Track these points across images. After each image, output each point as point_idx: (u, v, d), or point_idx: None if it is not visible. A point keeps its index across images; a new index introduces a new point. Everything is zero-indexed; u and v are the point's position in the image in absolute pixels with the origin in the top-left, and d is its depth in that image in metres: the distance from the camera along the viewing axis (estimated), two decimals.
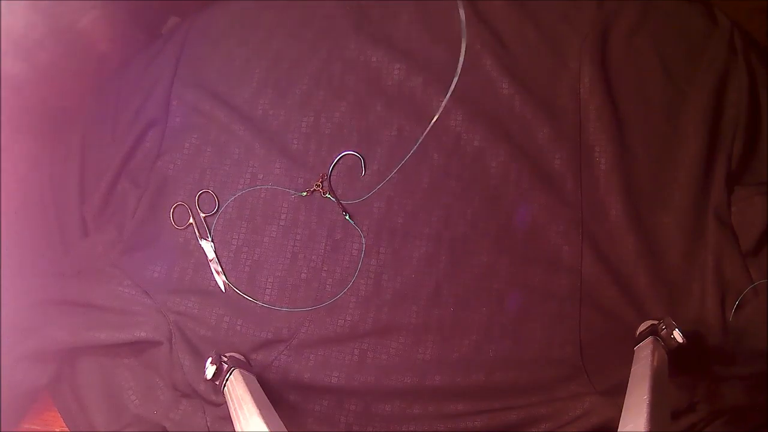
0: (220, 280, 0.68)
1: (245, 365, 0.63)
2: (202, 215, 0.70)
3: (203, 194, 0.70)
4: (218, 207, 0.70)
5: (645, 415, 0.46)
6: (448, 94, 0.62)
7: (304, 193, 0.68)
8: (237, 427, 0.52)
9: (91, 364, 0.68)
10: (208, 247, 0.69)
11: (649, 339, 0.57)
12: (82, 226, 0.73)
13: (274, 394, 0.61)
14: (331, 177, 0.69)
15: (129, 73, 0.77)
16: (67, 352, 0.68)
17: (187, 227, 0.70)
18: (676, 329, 0.56)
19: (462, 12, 0.59)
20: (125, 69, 0.78)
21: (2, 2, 0.62)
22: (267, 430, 0.48)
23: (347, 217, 0.67)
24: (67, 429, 0.70)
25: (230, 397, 0.56)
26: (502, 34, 0.70)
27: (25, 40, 0.68)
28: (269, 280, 0.67)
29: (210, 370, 0.58)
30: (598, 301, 0.64)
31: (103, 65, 0.79)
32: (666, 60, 0.68)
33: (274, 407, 0.54)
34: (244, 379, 0.57)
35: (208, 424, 0.64)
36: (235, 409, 0.54)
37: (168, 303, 0.67)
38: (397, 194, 0.67)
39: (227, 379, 0.58)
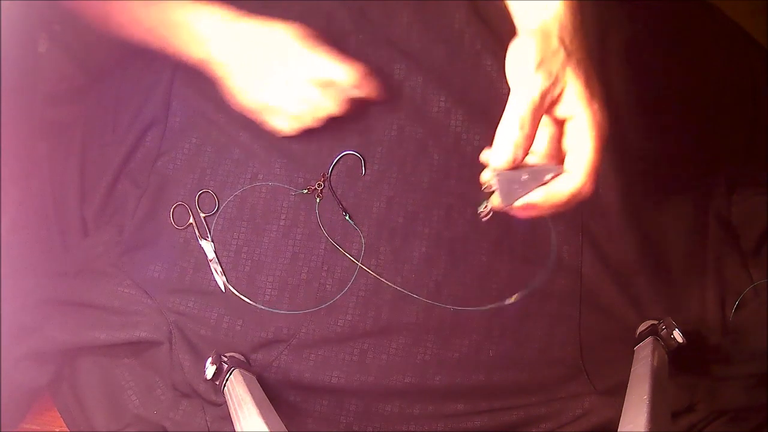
0: (220, 280, 0.68)
1: (245, 365, 0.63)
2: (202, 215, 0.70)
3: (203, 194, 0.70)
4: (218, 207, 0.70)
5: (645, 415, 0.46)
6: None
7: (305, 191, 0.68)
8: (237, 427, 0.52)
9: (91, 364, 0.68)
10: (208, 247, 0.69)
11: (649, 339, 0.57)
12: (82, 226, 0.73)
13: (274, 394, 0.61)
14: (331, 177, 0.69)
15: (129, 73, 0.77)
16: (67, 352, 0.68)
17: (187, 227, 0.70)
18: (676, 329, 0.56)
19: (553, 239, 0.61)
20: (125, 69, 0.78)
21: (2, 2, 0.62)
22: (267, 430, 0.48)
23: (347, 217, 0.67)
24: (67, 429, 0.70)
25: (230, 397, 0.56)
26: (502, 34, 0.70)
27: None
28: (269, 280, 0.67)
29: (210, 370, 0.58)
30: (598, 301, 0.65)
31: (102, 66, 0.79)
32: (666, 60, 0.69)
33: (274, 407, 0.54)
34: (244, 379, 0.57)
35: (208, 424, 0.64)
36: (235, 409, 0.54)
37: (168, 303, 0.67)
38: (397, 194, 0.67)
39: (227, 379, 0.58)
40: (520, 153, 0.44)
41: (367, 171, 0.68)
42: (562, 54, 0.44)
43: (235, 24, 0.63)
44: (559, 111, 0.45)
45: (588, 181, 0.45)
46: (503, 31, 0.70)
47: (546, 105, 0.44)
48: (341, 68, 0.59)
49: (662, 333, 0.57)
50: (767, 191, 0.66)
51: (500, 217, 0.66)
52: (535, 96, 0.43)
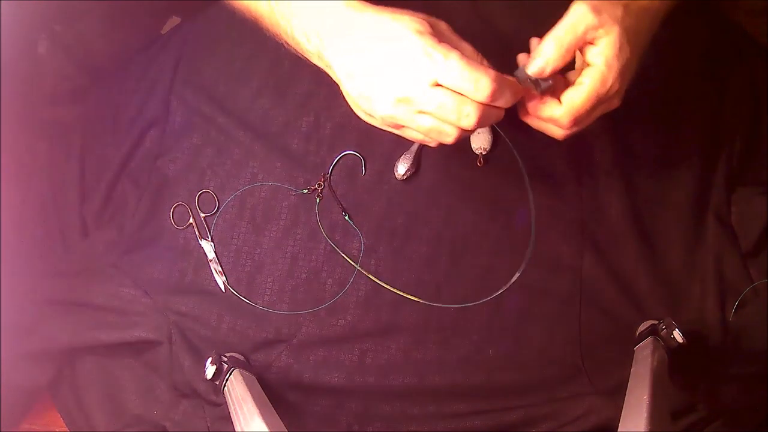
0: (220, 280, 0.68)
1: (245, 365, 0.63)
2: (202, 215, 0.70)
3: (203, 194, 0.70)
4: (218, 207, 0.70)
5: (645, 415, 0.46)
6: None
7: (305, 191, 0.68)
8: (237, 428, 0.52)
9: (91, 364, 0.68)
10: (208, 247, 0.69)
11: (649, 339, 0.57)
12: (82, 226, 0.73)
13: (274, 394, 0.61)
14: (331, 177, 0.69)
15: (129, 73, 0.77)
16: (67, 352, 0.68)
17: (187, 227, 0.70)
18: (676, 329, 0.56)
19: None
20: (125, 69, 0.78)
21: (2, 2, 0.62)
22: (267, 430, 0.48)
23: (347, 218, 0.67)
24: (67, 429, 0.70)
25: (230, 397, 0.56)
26: (503, 34, 0.70)
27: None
28: (269, 280, 0.67)
29: (210, 370, 0.58)
30: (598, 301, 0.64)
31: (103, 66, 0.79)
32: (666, 60, 0.69)
33: (274, 407, 0.54)
34: (244, 379, 0.57)
35: (208, 424, 0.64)
36: (235, 409, 0.54)
37: (168, 303, 0.67)
38: (397, 194, 0.67)
39: (227, 379, 0.58)
40: (549, 68, 0.48)
41: (367, 171, 0.68)
42: (620, 10, 0.49)
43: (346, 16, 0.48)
44: (590, 54, 0.49)
45: (569, 125, 0.49)
46: (503, 31, 0.71)
47: (584, 38, 0.48)
48: (474, 75, 0.45)
49: (662, 333, 0.57)
50: (767, 191, 0.66)
51: (500, 216, 0.66)
52: (579, 28, 0.48)
